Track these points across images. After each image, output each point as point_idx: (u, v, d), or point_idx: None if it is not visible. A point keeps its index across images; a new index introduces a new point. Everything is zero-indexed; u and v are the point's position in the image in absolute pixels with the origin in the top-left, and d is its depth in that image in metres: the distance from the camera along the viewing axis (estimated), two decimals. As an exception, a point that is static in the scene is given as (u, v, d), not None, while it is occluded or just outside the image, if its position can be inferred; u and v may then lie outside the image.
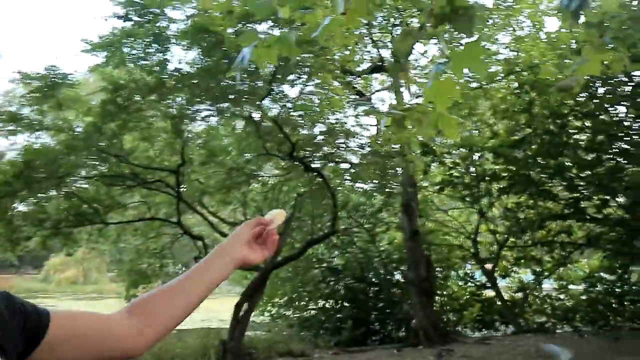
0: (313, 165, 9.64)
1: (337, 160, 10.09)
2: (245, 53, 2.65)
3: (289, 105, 9.36)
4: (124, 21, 9.20)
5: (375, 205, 14.48)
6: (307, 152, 9.56)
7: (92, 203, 10.44)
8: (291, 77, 9.04)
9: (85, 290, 28.44)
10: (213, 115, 9.44)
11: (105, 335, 1.09)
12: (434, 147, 12.26)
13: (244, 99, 8.88)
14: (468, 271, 14.88)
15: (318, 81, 8.93)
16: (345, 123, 9.55)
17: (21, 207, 10.78)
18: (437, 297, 13.11)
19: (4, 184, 8.86)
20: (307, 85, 9.09)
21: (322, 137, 9.42)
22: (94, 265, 30.76)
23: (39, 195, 10.25)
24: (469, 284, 14.65)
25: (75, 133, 9.80)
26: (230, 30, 7.90)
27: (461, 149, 13.22)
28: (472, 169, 13.36)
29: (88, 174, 10.38)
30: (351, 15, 2.75)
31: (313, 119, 9.26)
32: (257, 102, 8.70)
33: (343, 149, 9.71)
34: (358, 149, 9.55)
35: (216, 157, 10.85)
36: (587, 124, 11.12)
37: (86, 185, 10.82)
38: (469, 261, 14.64)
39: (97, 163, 10.11)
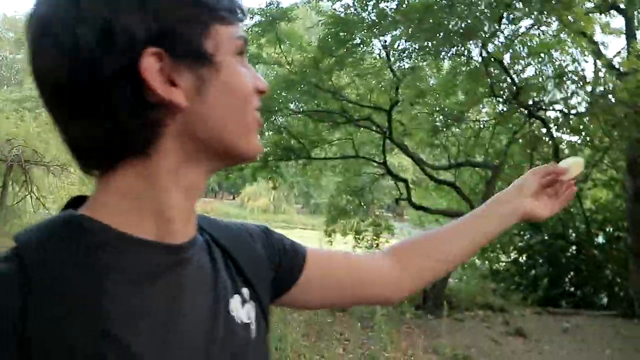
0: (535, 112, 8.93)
1: (562, 109, 9.23)
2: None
3: (514, 44, 8.66)
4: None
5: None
6: (532, 97, 8.84)
7: (300, 138, 10.70)
8: (518, 14, 8.33)
9: (275, 219, 29.97)
10: (430, 54, 8.99)
11: (363, 279, 1.01)
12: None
13: (465, 37, 8.37)
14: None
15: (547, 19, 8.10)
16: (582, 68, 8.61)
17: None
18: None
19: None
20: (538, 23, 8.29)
21: (551, 81, 8.63)
22: (283, 196, 32.66)
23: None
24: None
25: (292, 68, 10.06)
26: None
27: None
28: None
29: (298, 109, 10.63)
30: None
31: (543, 60, 8.48)
32: (482, 41, 8.15)
33: (571, 95, 8.84)
34: (594, 96, 8.61)
35: (423, 97, 10.52)
36: None
37: (295, 120, 11.10)
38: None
39: (308, 98, 10.27)
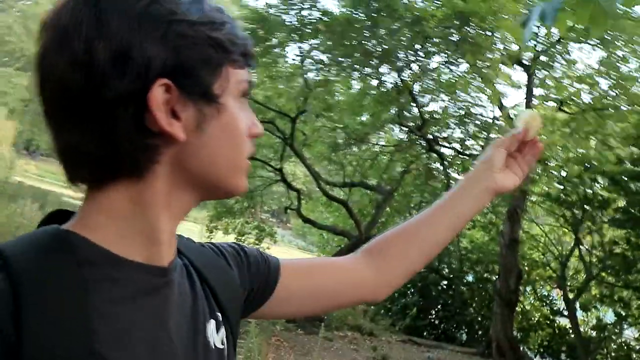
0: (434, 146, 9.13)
1: (461, 149, 9.52)
2: (547, 11, 2.16)
3: (424, 77, 8.84)
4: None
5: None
6: (434, 132, 9.05)
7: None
8: (434, 49, 8.53)
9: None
10: (345, 70, 8.98)
11: (341, 283, 1.01)
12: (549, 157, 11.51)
13: (381, 60, 8.44)
14: (546, 292, 14.23)
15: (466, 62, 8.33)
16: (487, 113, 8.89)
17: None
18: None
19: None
20: (454, 63, 8.51)
21: (455, 120, 8.87)
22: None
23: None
24: (545, 306, 13.95)
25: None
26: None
27: (575, 166, 12.38)
28: (581, 190, 12.51)
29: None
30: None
31: (455, 99, 8.70)
32: (398, 67, 8.24)
33: (473, 137, 9.14)
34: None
35: (329, 111, 10.51)
36: None
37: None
38: (550, 283, 13.98)
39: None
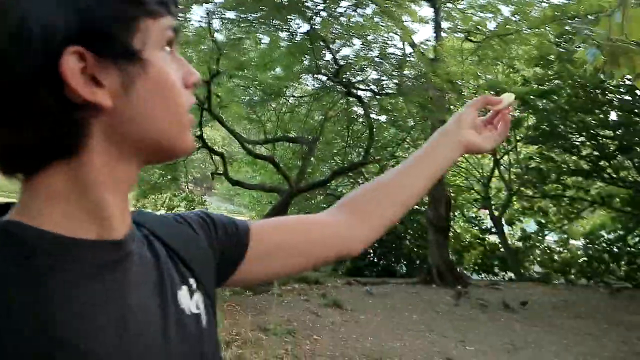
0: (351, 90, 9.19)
1: (377, 89, 9.61)
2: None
3: (338, 22, 8.80)
4: None
5: (386, 138, 14.20)
6: (350, 76, 9.08)
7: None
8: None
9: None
10: (253, 25, 8.79)
11: (314, 240, 0.99)
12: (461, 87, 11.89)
13: (289, 11, 8.30)
14: (474, 214, 15.00)
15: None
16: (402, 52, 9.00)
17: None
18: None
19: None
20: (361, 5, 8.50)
21: (370, 63, 8.92)
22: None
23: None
24: (474, 227, 14.72)
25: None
26: None
27: (486, 92, 12.86)
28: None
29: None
30: None
31: (367, 41, 8.71)
32: (309, 16, 8.14)
33: (389, 77, 9.24)
34: (408, 77, 9.07)
35: (242, 70, 10.31)
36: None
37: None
38: (476, 204, 14.73)
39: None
